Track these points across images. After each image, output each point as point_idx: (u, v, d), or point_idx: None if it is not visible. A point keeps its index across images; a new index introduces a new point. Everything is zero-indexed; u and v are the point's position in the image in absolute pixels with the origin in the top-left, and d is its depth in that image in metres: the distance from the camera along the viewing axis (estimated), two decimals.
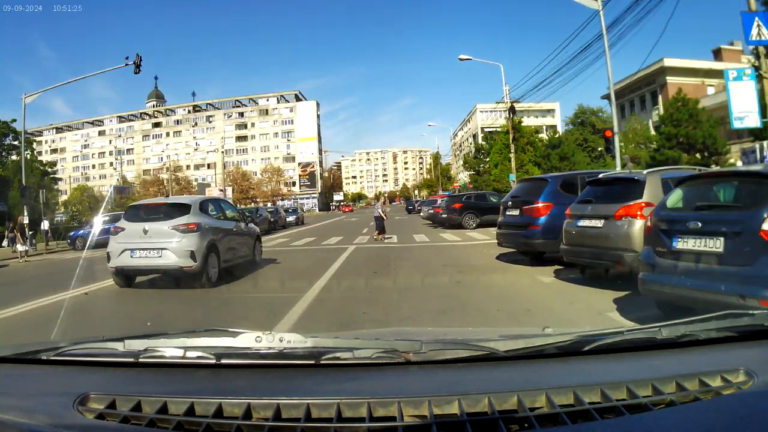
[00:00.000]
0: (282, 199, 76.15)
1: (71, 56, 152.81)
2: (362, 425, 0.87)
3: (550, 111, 69.99)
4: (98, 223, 17.95)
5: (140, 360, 1.14)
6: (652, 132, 32.95)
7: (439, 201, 23.81)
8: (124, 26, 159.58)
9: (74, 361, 1.21)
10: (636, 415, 0.86)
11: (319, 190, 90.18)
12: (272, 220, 25.39)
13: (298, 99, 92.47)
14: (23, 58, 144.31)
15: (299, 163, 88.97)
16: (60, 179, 61.80)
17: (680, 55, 39.13)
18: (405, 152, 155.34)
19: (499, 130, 42.59)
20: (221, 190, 47.01)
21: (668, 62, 40.11)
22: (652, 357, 1.13)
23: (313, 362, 1.10)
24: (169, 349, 1.17)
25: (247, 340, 1.16)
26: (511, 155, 26.47)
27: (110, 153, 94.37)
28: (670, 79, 37.72)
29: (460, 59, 24.81)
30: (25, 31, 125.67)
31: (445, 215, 19.45)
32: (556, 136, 42.73)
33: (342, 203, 76.57)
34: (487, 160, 43.15)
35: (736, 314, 1.26)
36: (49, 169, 58.82)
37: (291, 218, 30.80)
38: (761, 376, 0.95)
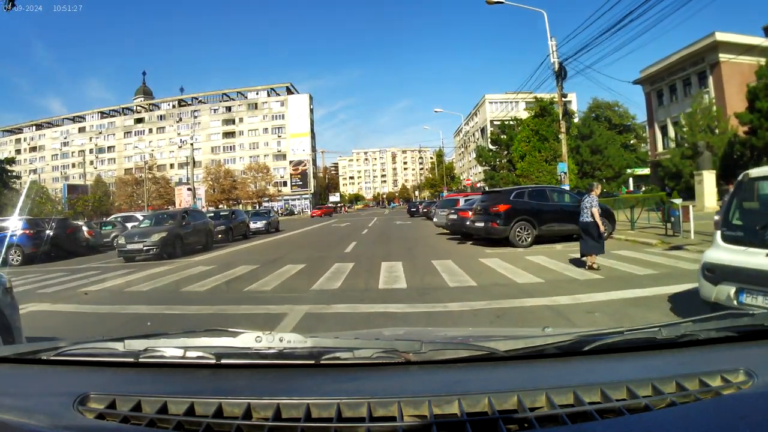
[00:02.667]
0: (269, 200, 68.30)
1: (66, 54, 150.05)
2: (362, 425, 0.88)
3: (566, 102, 62.30)
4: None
5: (140, 360, 1.14)
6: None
7: (462, 201, 15.98)
8: (120, 24, 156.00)
9: (74, 361, 1.21)
10: (636, 415, 0.86)
11: (312, 191, 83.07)
12: (224, 228, 17.58)
13: (289, 92, 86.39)
14: (20, 57, 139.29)
15: (290, 161, 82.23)
16: (19, 178, 54.51)
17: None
18: (404, 152, 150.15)
19: (525, 114, 35.00)
20: (190, 189, 39.10)
21: (721, 37, 32.61)
22: (652, 357, 1.13)
23: (313, 362, 1.10)
24: (169, 349, 1.16)
25: (247, 340, 1.15)
26: (562, 135, 18.85)
27: (90, 151, 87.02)
28: (723, 57, 30.30)
29: (488, 2, 17.29)
30: (23, 31, 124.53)
31: (481, 223, 11.86)
32: (588, 127, 35.14)
33: (319, 205, 65.93)
34: (505, 153, 35.40)
35: (736, 314, 1.25)
36: (8, 167, 51.16)
37: (258, 224, 23.01)
38: (761, 376, 0.95)
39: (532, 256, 10.05)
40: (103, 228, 21.72)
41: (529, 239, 11.90)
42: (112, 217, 25.73)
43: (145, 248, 13.37)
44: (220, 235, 18.74)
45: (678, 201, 12.97)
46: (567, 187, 17.79)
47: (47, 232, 17.23)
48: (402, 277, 7.96)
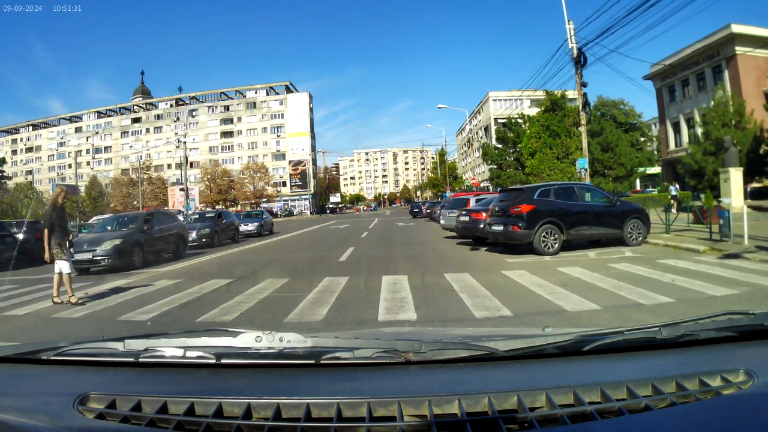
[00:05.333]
0: (267, 201, 66.52)
1: (65, 55, 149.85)
2: (362, 425, 0.88)
3: (572, 100, 60.58)
4: None
5: (140, 360, 1.14)
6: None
7: (473, 201, 14.23)
8: (119, 24, 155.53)
9: (74, 361, 1.21)
10: (636, 415, 0.86)
11: (312, 191, 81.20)
12: (208, 231, 15.90)
13: (288, 91, 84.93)
14: (20, 57, 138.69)
15: (290, 161, 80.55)
16: (10, 178, 53.15)
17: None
18: (405, 152, 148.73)
19: (531, 112, 33.41)
20: (182, 190, 37.30)
21: (737, 29, 31.28)
22: (652, 357, 1.13)
23: (313, 362, 1.10)
24: (169, 349, 1.16)
25: (247, 339, 1.15)
26: (582, 127, 17.09)
27: (87, 151, 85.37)
28: (740, 50, 28.92)
29: None
30: (23, 31, 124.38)
31: (499, 227, 10.14)
32: (599, 123, 33.46)
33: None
34: (512, 150, 33.73)
35: (736, 314, 1.26)
36: None
37: (249, 227, 21.34)
38: (761, 376, 0.96)
39: (565, 267, 8.35)
40: (83, 231, 20.00)
41: (556, 245, 10.21)
42: (93, 219, 23.98)
43: (95, 258, 11.36)
44: (204, 239, 17.04)
45: (728, 200, 11.25)
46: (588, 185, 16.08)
47: (14, 236, 15.50)
48: (409, 301, 6.24)
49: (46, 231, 7.19)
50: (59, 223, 7.32)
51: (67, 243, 7.42)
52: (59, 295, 7.14)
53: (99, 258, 11.35)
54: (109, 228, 13.31)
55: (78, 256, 11.32)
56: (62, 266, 7.14)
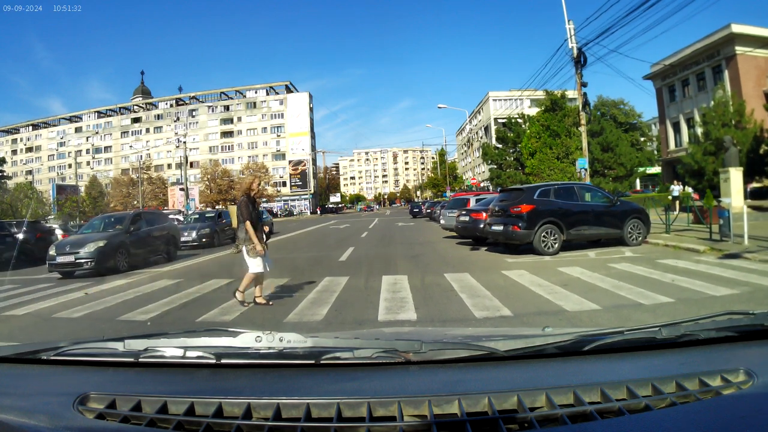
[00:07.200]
0: (267, 201, 66.50)
1: (66, 55, 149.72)
2: (362, 425, 0.88)
3: (572, 100, 60.53)
4: None
5: (140, 360, 1.14)
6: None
7: (473, 200, 14.21)
8: (119, 24, 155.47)
9: (74, 361, 1.21)
10: (636, 415, 0.86)
11: (312, 191, 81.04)
12: (208, 231, 15.97)
13: (288, 90, 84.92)
14: (20, 57, 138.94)
15: (290, 161, 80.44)
16: (9, 178, 53.09)
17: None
18: (405, 152, 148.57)
19: (531, 112, 33.39)
20: (182, 190, 37.31)
21: (737, 29, 31.19)
22: (652, 357, 1.13)
23: (313, 362, 1.10)
24: (169, 349, 1.17)
25: (247, 339, 1.15)
26: (582, 127, 17.06)
27: (87, 151, 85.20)
28: (740, 50, 28.96)
29: None
30: (23, 31, 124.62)
31: (499, 227, 10.12)
32: (599, 123, 33.38)
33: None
34: (512, 150, 33.67)
35: (736, 314, 1.26)
36: None
37: None
38: (761, 376, 0.95)
39: (565, 267, 8.35)
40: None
41: (556, 245, 10.21)
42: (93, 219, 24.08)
43: (77, 261, 10.85)
44: (204, 239, 17.10)
45: (728, 200, 11.25)
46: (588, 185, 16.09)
47: (14, 236, 15.51)
48: (409, 301, 6.25)
49: (248, 224, 6.10)
50: (255, 214, 6.31)
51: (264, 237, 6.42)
52: (254, 294, 6.33)
53: (82, 261, 10.81)
54: (96, 229, 12.75)
55: (60, 259, 10.92)
56: (256, 263, 6.17)
